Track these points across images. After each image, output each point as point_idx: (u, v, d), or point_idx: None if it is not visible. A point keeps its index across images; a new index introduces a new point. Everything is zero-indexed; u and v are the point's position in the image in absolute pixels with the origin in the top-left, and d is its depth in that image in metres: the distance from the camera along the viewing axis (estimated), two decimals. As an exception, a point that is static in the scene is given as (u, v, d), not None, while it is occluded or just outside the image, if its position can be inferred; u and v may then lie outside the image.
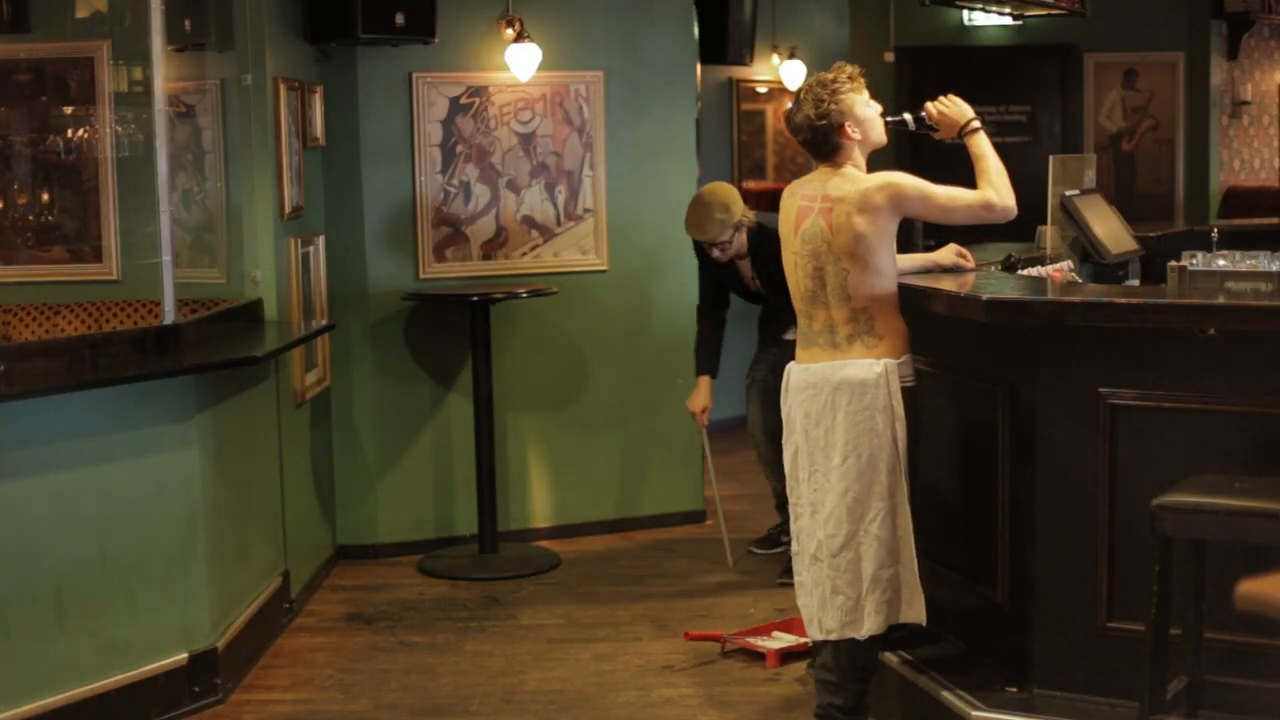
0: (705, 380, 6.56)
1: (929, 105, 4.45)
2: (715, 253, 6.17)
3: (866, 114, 4.21)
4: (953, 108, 4.42)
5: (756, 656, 5.32)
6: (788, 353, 6.21)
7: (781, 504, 6.49)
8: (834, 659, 4.24)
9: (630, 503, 7.03)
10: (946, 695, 4.26)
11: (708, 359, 6.57)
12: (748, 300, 6.52)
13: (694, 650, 5.46)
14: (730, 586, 6.27)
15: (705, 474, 6.94)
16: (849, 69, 4.21)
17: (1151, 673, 3.55)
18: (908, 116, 4.45)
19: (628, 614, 5.90)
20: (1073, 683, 4.12)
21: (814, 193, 4.18)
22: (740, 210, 6.10)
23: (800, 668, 5.15)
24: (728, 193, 6.14)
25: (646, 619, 5.84)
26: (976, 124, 4.37)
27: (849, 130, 4.16)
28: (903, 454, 4.14)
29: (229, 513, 5.25)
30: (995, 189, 4.23)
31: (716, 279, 6.43)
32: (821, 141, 4.16)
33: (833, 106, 4.13)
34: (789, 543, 6.11)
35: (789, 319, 6.17)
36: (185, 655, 4.93)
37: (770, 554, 6.62)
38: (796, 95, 4.23)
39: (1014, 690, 4.22)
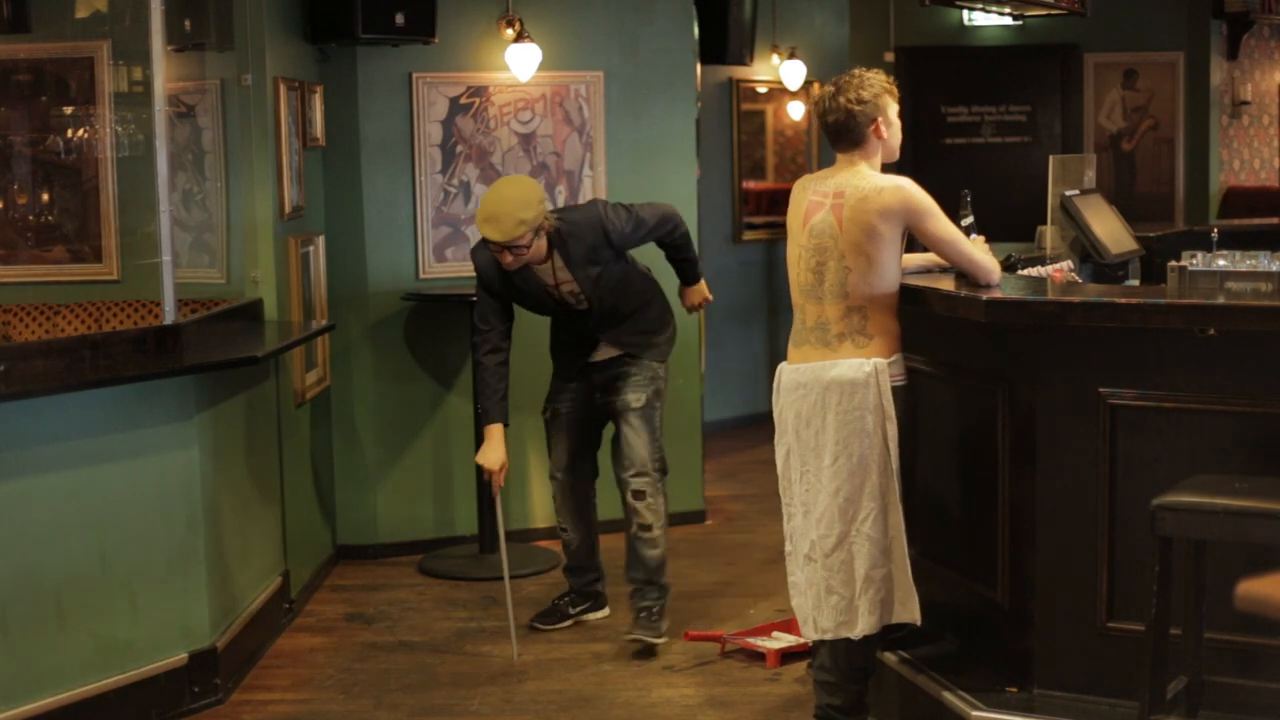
0: (499, 430, 5.44)
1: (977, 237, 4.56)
2: (507, 258, 5.19)
3: (895, 121, 4.29)
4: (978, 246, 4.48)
5: (756, 656, 5.32)
6: (598, 376, 5.51)
7: (572, 566, 5.78)
8: (831, 659, 4.25)
9: (630, 503, 7.02)
10: (946, 695, 4.26)
11: (499, 403, 5.43)
12: (551, 314, 5.55)
13: (694, 650, 5.46)
14: (730, 586, 6.27)
15: (499, 555, 5.66)
16: (886, 79, 4.30)
17: (1151, 673, 3.55)
18: (972, 221, 4.61)
19: (628, 614, 5.89)
20: (1073, 683, 4.12)
21: (826, 189, 4.20)
22: (544, 210, 5.22)
23: (800, 668, 5.15)
24: (530, 189, 5.22)
25: (646, 619, 5.84)
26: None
27: (880, 127, 4.21)
28: (894, 453, 4.14)
29: (229, 513, 5.25)
30: (995, 262, 4.32)
31: (502, 298, 5.42)
32: (853, 128, 4.20)
33: (873, 99, 4.20)
34: (577, 614, 5.74)
35: (608, 329, 5.47)
36: (185, 655, 4.93)
37: (559, 628, 5.71)
38: (835, 82, 4.28)
39: (1014, 690, 4.22)
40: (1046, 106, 10.13)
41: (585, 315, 5.46)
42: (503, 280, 5.35)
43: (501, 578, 5.59)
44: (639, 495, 5.52)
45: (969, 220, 4.54)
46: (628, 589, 5.62)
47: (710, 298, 5.88)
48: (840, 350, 4.15)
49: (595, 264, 5.36)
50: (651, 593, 5.55)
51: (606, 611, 5.85)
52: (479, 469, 6.22)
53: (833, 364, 4.15)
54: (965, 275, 4.30)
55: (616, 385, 5.54)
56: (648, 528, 5.54)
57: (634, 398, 5.51)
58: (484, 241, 5.28)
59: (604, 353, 5.55)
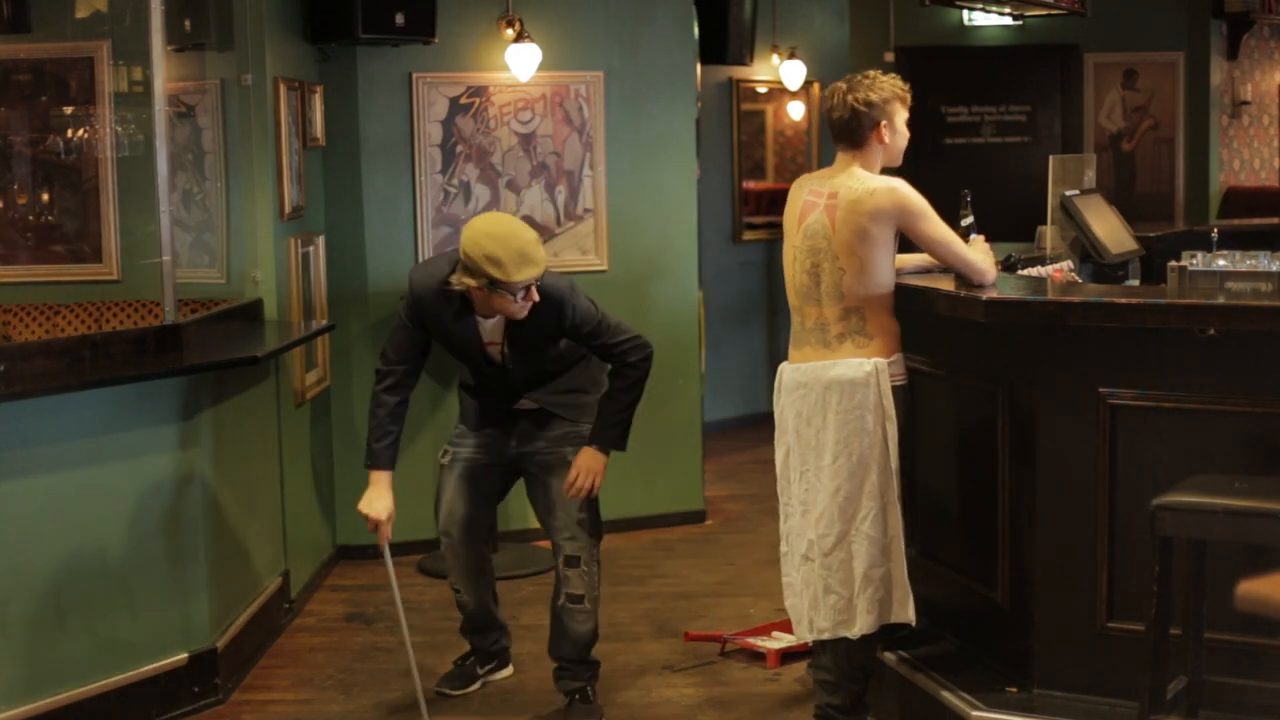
0: (388, 478, 4.77)
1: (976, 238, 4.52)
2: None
3: (901, 129, 4.28)
4: (978, 247, 4.45)
5: (756, 656, 5.32)
6: (522, 424, 4.85)
7: (472, 628, 5.14)
8: (831, 659, 4.25)
9: (630, 503, 7.03)
10: (946, 695, 4.26)
11: (390, 447, 4.77)
12: (471, 364, 4.84)
13: (694, 650, 5.46)
14: (730, 586, 6.27)
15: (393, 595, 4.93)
16: (901, 85, 4.27)
17: (1151, 673, 3.55)
18: (972, 221, 4.57)
19: (628, 614, 5.90)
20: (1073, 683, 4.12)
21: (821, 189, 4.21)
22: None
23: (800, 668, 5.15)
24: (515, 219, 4.69)
25: (646, 619, 5.84)
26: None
27: (883, 131, 4.21)
28: (894, 453, 4.15)
29: (229, 513, 5.25)
30: (990, 263, 4.31)
31: (427, 334, 4.76)
32: (856, 127, 4.20)
33: (880, 103, 4.19)
34: (485, 674, 5.13)
35: (531, 390, 4.83)
36: (185, 655, 4.93)
37: (469, 691, 5.11)
38: (848, 79, 4.27)
39: (1014, 690, 4.22)
40: (1046, 106, 10.14)
41: (504, 373, 4.79)
42: (437, 316, 4.68)
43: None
44: (572, 561, 4.83)
45: (969, 220, 4.54)
46: (552, 666, 4.99)
47: (599, 485, 4.79)
48: (841, 350, 4.16)
49: (536, 341, 4.72)
50: (583, 672, 4.92)
51: (510, 670, 5.25)
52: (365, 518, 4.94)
53: (833, 363, 4.15)
54: (960, 276, 4.30)
55: (549, 436, 4.86)
56: (579, 599, 4.83)
57: (572, 450, 4.81)
58: (453, 276, 4.54)
59: (528, 403, 4.88)
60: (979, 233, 4.52)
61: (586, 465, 4.75)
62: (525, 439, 4.89)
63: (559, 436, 4.86)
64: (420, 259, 6.76)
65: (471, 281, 4.49)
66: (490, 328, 4.70)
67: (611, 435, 4.76)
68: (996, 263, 5.03)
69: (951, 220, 4.36)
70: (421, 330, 4.74)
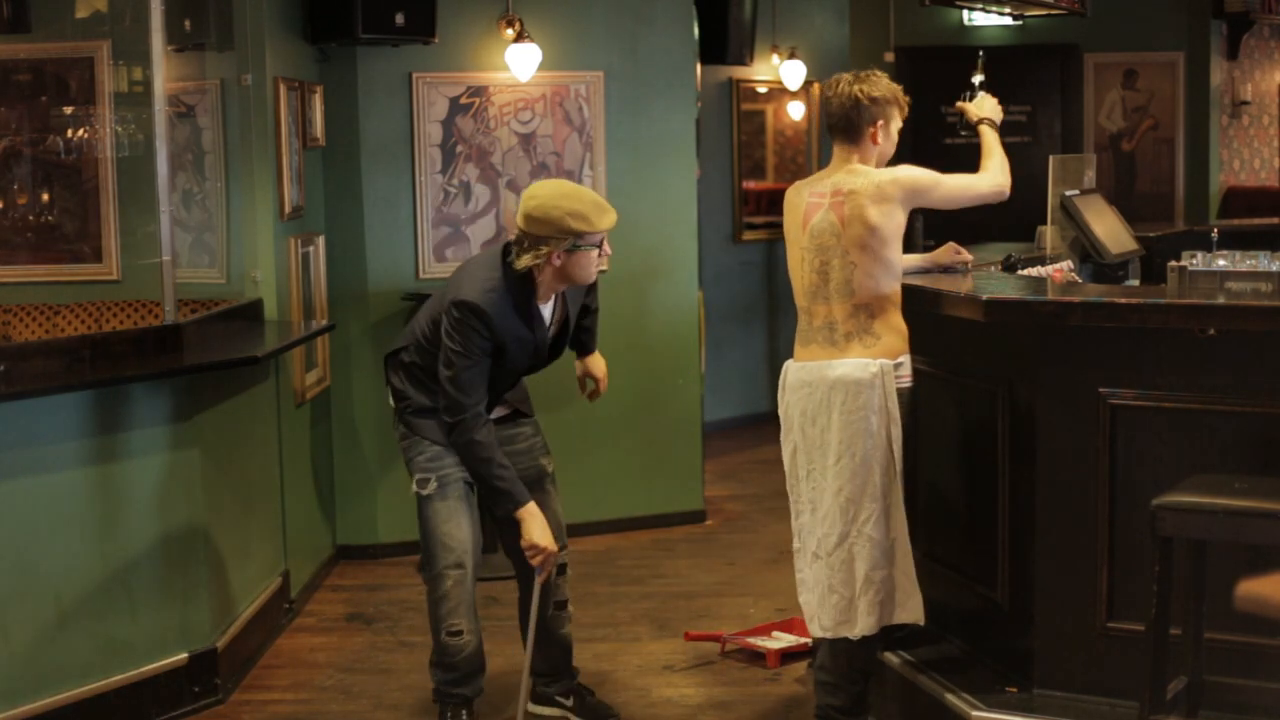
0: (537, 508, 4.48)
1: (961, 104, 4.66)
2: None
3: (894, 135, 4.31)
4: (985, 103, 4.59)
5: (756, 656, 5.32)
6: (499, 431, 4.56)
7: (464, 675, 4.66)
8: (831, 659, 4.25)
9: (630, 503, 7.03)
10: (947, 695, 4.26)
11: (518, 480, 4.47)
12: (510, 371, 4.55)
13: (694, 650, 5.46)
14: (730, 586, 6.27)
15: (526, 634, 4.70)
16: (903, 94, 4.33)
17: (1151, 673, 3.55)
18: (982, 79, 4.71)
19: (628, 614, 5.90)
20: (1073, 683, 4.12)
21: (823, 189, 4.21)
22: None
23: (800, 668, 5.15)
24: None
25: (646, 619, 5.84)
26: (995, 122, 4.60)
27: (879, 131, 4.24)
28: (898, 455, 4.14)
29: (229, 513, 5.25)
30: (1002, 172, 4.35)
31: (489, 368, 4.41)
32: (856, 122, 4.22)
33: (882, 101, 4.24)
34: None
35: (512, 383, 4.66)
36: (185, 655, 4.92)
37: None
38: (854, 72, 4.31)
39: (1014, 690, 4.22)
40: (1046, 106, 10.14)
41: (515, 372, 4.59)
42: (510, 326, 4.40)
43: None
44: (562, 569, 4.71)
45: (980, 78, 4.59)
46: (540, 681, 4.83)
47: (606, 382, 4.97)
48: (848, 350, 4.15)
49: (573, 313, 4.67)
50: (574, 673, 4.85)
51: None
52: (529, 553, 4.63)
53: (838, 363, 4.14)
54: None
55: (521, 448, 4.67)
56: (564, 604, 4.76)
57: (547, 462, 4.72)
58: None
59: (501, 409, 4.67)
60: (984, 121, 4.56)
61: (603, 369, 5.00)
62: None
63: (528, 449, 4.70)
64: (420, 259, 6.76)
65: (548, 248, 4.30)
66: (553, 307, 4.55)
67: (595, 337, 4.96)
68: (997, 262, 5.06)
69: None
70: (490, 356, 4.39)
